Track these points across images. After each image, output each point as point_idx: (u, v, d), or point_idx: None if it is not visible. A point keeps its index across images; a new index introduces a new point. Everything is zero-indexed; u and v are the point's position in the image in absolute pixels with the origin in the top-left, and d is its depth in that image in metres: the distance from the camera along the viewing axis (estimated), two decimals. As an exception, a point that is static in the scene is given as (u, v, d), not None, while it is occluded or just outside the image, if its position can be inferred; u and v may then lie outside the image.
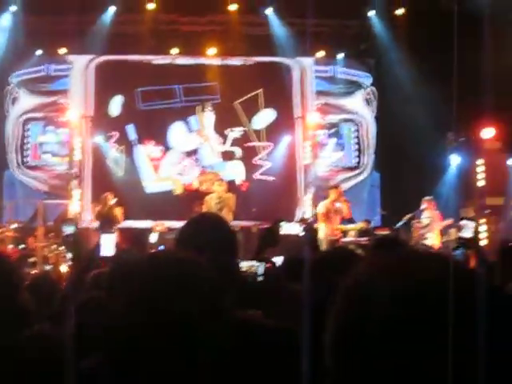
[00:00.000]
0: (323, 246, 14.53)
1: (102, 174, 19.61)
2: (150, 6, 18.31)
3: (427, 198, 16.06)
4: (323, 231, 15.06)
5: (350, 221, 16.48)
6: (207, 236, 2.87)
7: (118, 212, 16.46)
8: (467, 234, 15.88)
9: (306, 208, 19.28)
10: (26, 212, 18.78)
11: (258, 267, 7.97)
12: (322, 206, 15.32)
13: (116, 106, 19.78)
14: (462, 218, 16.29)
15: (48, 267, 14.94)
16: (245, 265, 8.79)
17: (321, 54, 19.89)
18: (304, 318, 1.85)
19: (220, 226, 3.03)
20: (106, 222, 16.24)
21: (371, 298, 1.23)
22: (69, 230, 16.83)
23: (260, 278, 8.13)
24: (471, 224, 16.12)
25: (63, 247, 16.74)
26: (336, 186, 15.95)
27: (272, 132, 20.05)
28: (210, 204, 14.79)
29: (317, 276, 2.22)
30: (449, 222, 16.09)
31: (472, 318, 1.17)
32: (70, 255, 15.33)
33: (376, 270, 1.29)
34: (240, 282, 3.33)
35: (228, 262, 2.93)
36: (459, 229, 16.08)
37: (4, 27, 18.51)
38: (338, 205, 15.09)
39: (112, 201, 16.57)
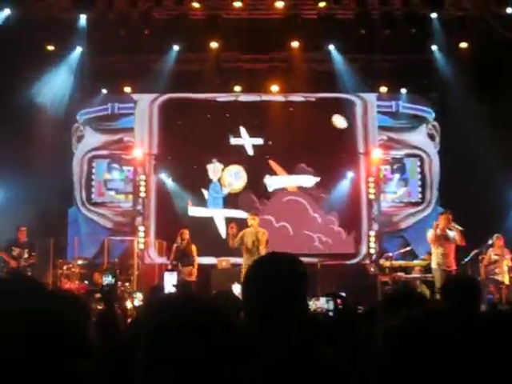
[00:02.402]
0: (437, 277, 14.09)
1: (166, 211, 19.74)
2: (214, 45, 18.51)
3: (497, 234, 15.73)
4: (435, 260, 14.21)
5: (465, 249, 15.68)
6: (276, 279, 2.77)
7: (194, 248, 16.48)
8: None
9: (370, 244, 19.15)
10: (91, 248, 18.99)
11: (328, 303, 7.91)
12: (430, 234, 14.31)
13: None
14: None
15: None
16: (315, 302, 8.73)
17: (383, 89, 19.84)
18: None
19: (290, 268, 2.88)
20: (183, 258, 16.29)
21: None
22: (107, 280, 16.82)
23: (331, 314, 8.05)
24: None
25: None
26: (445, 212, 15.18)
27: (336, 168, 20.00)
28: (247, 240, 14.84)
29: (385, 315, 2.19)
30: None
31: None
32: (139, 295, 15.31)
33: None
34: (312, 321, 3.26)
35: (299, 303, 2.84)
36: None
37: (71, 67, 18.88)
38: (449, 232, 14.14)
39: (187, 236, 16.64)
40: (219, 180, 20.22)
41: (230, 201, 20.13)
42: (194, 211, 19.81)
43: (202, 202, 20.08)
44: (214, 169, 20.21)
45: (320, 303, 8.44)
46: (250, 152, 20.15)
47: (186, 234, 16.63)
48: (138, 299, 14.79)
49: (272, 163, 20.04)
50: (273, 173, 20.12)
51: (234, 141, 20.11)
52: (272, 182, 20.10)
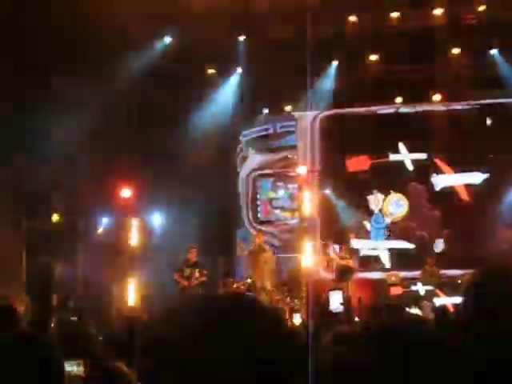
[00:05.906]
0: None
1: (331, 227, 19.67)
2: (373, 57, 18.38)
3: None
4: None
5: None
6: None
7: (351, 262, 16.43)
8: None
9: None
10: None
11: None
12: None
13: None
14: None
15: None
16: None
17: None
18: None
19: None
20: (343, 273, 16.25)
21: None
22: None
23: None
24: None
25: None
26: None
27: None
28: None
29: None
30: None
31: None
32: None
33: None
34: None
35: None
36: None
37: (232, 88, 19.27)
38: None
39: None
40: (381, 210, 19.97)
41: (391, 230, 19.84)
42: (358, 244, 19.55)
43: (364, 233, 19.96)
44: (375, 200, 19.97)
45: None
46: (410, 167, 19.73)
47: (343, 249, 16.69)
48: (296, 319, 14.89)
49: (439, 162, 19.52)
50: (440, 171, 19.60)
51: (393, 157, 19.80)
52: (439, 181, 19.57)
